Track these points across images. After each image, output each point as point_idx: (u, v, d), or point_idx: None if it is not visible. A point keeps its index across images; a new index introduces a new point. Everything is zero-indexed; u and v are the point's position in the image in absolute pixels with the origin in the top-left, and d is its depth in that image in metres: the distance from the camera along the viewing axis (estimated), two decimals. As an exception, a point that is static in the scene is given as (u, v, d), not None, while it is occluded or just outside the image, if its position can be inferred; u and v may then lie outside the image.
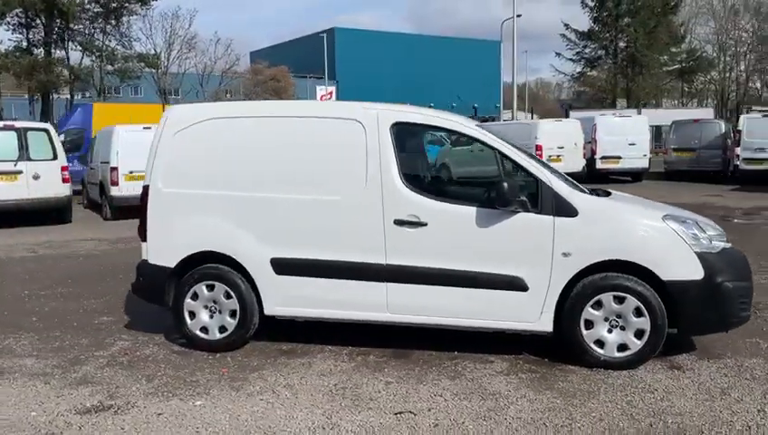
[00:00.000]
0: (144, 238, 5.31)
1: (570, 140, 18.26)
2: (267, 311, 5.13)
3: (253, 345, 5.27)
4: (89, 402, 4.27)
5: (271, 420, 3.95)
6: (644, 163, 20.32)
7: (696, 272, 4.49)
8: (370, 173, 4.87)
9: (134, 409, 4.16)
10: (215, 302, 5.18)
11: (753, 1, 52.83)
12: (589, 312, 4.62)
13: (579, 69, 47.75)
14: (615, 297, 4.58)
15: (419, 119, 5.07)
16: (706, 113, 35.17)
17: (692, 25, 50.81)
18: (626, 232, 4.63)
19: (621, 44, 46.37)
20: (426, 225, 4.76)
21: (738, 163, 18.88)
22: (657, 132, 33.16)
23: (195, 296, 5.20)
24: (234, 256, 5.10)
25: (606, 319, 4.62)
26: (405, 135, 4.99)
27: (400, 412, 4.00)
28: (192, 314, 5.22)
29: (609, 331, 4.63)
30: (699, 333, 4.78)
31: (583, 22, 46.54)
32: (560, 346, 4.84)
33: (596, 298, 4.60)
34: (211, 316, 5.21)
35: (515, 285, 4.68)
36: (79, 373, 4.80)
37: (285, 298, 5.07)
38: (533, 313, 4.70)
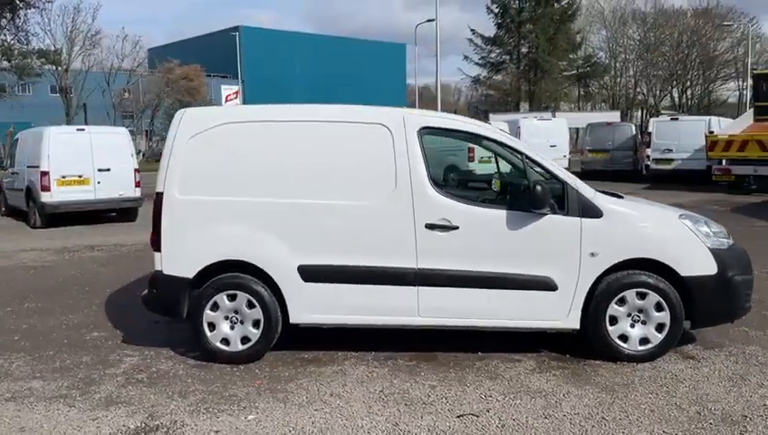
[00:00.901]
0: (157, 248, 5.06)
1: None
2: (293, 319, 5.03)
3: (272, 356, 5.14)
4: (132, 424, 4.04)
5: (336, 431, 3.90)
6: (564, 164, 21.25)
7: (710, 267, 4.84)
8: (400, 177, 4.89)
9: (186, 428, 3.97)
10: (236, 312, 5.02)
11: (639, 12, 56.63)
12: (613, 308, 4.86)
13: (485, 73, 49.36)
14: (638, 293, 4.85)
15: (446, 123, 5.14)
16: (614, 116, 37.33)
17: (587, 33, 53.68)
18: (647, 231, 4.91)
19: (524, 50, 48.39)
20: (457, 228, 4.84)
21: (649, 163, 20.26)
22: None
23: (215, 307, 5.02)
24: (258, 265, 4.96)
25: (629, 314, 4.88)
26: (432, 139, 5.04)
27: (462, 415, 4.06)
28: (212, 326, 5.03)
29: (632, 326, 4.90)
30: (711, 324, 5.14)
31: (490, 27, 48.18)
32: (581, 343, 5.06)
33: (620, 295, 4.85)
34: (232, 327, 5.04)
35: (545, 285, 4.85)
36: (101, 394, 4.52)
37: (313, 305, 4.99)
38: (562, 311, 4.89)
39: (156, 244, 5.07)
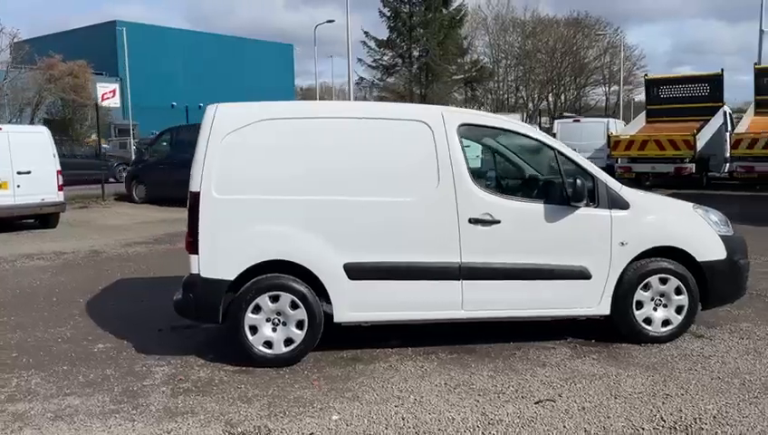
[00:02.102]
0: (194, 251, 4.82)
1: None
2: (338, 318, 4.97)
3: (311, 356, 5.04)
4: (214, 433, 3.85)
5: (430, 424, 3.92)
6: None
7: (720, 253, 5.31)
8: (442, 173, 4.97)
9: (275, 433, 3.84)
10: (278, 314, 4.89)
11: (518, 20, 59.72)
12: (639, 293, 5.22)
13: (378, 75, 50.00)
14: (660, 279, 5.23)
15: (484, 121, 5.30)
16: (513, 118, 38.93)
17: (473, 39, 55.85)
18: (669, 221, 5.33)
19: (416, 54, 49.50)
20: (499, 222, 4.99)
21: (554, 163, 21.48)
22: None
23: (257, 310, 4.86)
24: (303, 264, 4.86)
25: (652, 299, 5.26)
26: (470, 136, 5.16)
27: (540, 401, 4.21)
28: (253, 329, 4.87)
29: (655, 309, 5.28)
30: (719, 305, 5.61)
31: (383, 30, 48.89)
32: (606, 327, 5.38)
33: (645, 281, 5.21)
34: (274, 329, 4.90)
35: (580, 274, 5.12)
36: (155, 405, 4.25)
37: (359, 303, 4.96)
38: (595, 298, 5.18)
39: (192, 246, 4.83)
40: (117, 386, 4.60)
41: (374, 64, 50.15)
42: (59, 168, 12.32)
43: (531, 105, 60.48)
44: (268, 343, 4.89)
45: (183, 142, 16.19)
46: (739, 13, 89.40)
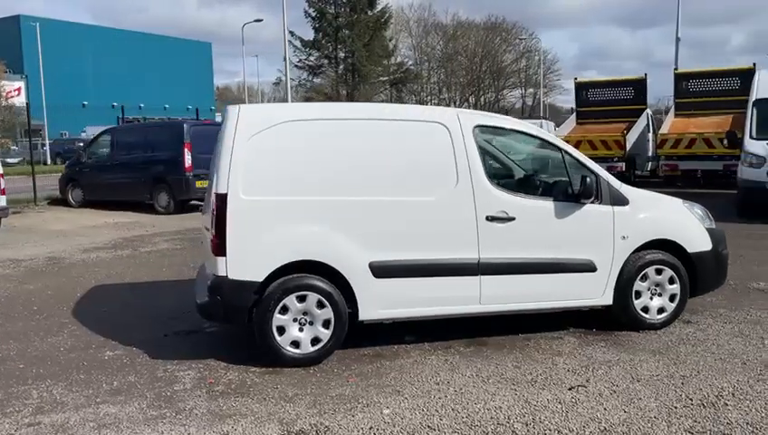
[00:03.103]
0: (221, 252, 4.78)
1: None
2: (363, 316, 5.05)
3: (333, 355, 5.11)
4: (274, 433, 3.87)
5: (480, 412, 4.09)
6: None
7: (707, 244, 5.76)
8: (461, 173, 5.16)
9: (333, 430, 3.90)
10: (305, 313, 4.93)
11: (440, 23, 60.99)
12: (638, 284, 5.59)
13: (305, 76, 49.80)
14: (656, 270, 5.62)
15: (497, 122, 5.51)
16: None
17: (398, 41, 56.55)
18: (664, 216, 5.74)
19: (342, 55, 49.60)
20: (514, 219, 5.23)
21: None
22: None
23: (284, 310, 4.88)
24: (330, 263, 4.92)
25: (648, 289, 5.64)
26: (484, 137, 5.36)
27: (573, 387, 4.47)
28: (281, 330, 4.89)
29: (651, 298, 5.66)
30: (705, 292, 6.05)
31: (309, 30, 48.72)
32: (601, 317, 5.72)
33: (643, 272, 5.59)
34: (301, 329, 4.94)
35: (588, 267, 5.44)
36: (199, 410, 4.20)
37: (383, 301, 5.07)
38: (599, 290, 5.51)
39: (219, 248, 4.78)
40: (148, 392, 4.51)
41: (300, 64, 49.93)
42: (1, 171, 11.68)
43: (453, 107, 61.82)
44: (295, 343, 4.91)
45: (125, 143, 15.70)
46: (638, 21, 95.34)
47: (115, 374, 4.86)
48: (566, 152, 5.50)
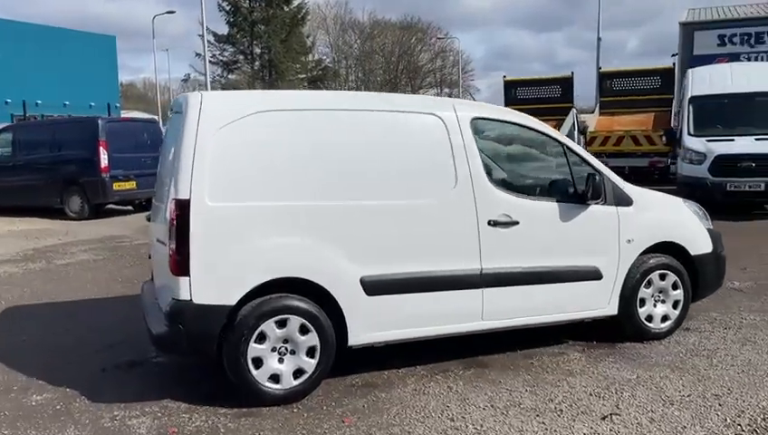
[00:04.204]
0: (183, 272, 3.90)
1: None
2: (353, 340, 4.31)
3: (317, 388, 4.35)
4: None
5: (512, 456, 3.46)
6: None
7: (708, 246, 5.38)
8: (459, 172, 4.51)
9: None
10: (286, 341, 4.14)
11: (357, 21, 60.41)
12: (642, 291, 5.13)
13: (219, 72, 47.95)
14: (660, 275, 5.18)
15: (495, 114, 4.88)
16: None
17: (316, 38, 55.49)
18: (668, 217, 5.30)
19: (258, 50, 48.12)
20: (517, 223, 4.63)
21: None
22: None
23: (261, 338, 4.07)
24: (316, 281, 4.15)
25: (652, 295, 5.20)
26: (482, 131, 4.73)
27: (606, 416, 3.90)
28: (257, 362, 4.07)
29: (654, 305, 5.22)
30: (702, 297, 5.66)
31: (223, 25, 46.95)
32: (599, 327, 5.24)
33: (648, 278, 5.13)
34: (281, 360, 4.14)
35: (593, 274, 4.92)
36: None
37: (377, 322, 4.34)
38: (605, 298, 5.01)
39: (181, 266, 3.91)
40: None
41: (214, 60, 47.98)
42: None
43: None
44: (275, 377, 4.11)
45: (29, 142, 14.13)
46: (540, 24, 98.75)
47: (47, 427, 3.89)
48: (568, 148, 4.96)
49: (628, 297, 5.07)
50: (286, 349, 4.14)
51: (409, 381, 4.49)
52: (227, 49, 47.56)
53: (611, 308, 5.05)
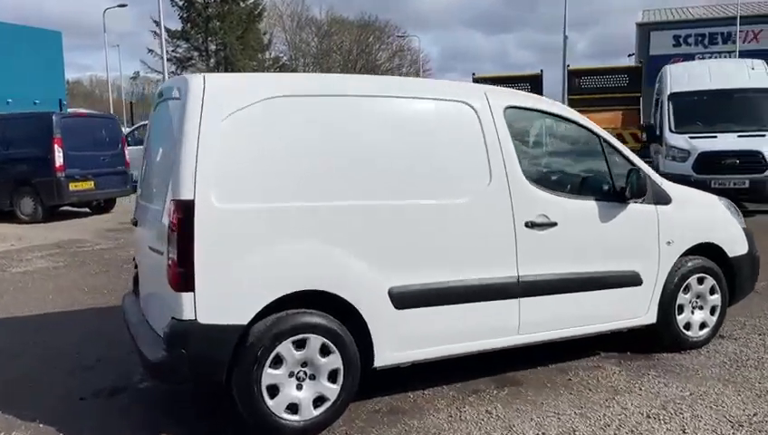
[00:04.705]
0: (186, 287, 3.28)
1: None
2: (380, 361, 3.75)
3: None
4: None
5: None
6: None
7: (744, 247, 5.01)
8: (494, 168, 4.00)
9: None
10: (305, 364, 3.55)
11: (314, 19, 59.55)
12: (681, 297, 4.72)
13: (172, 68, 46.47)
14: (698, 279, 4.78)
15: (530, 102, 4.38)
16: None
17: (272, 36, 54.36)
18: (706, 216, 4.90)
19: (213, 47, 46.86)
20: (555, 225, 4.15)
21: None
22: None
23: (277, 362, 3.47)
24: (339, 294, 3.58)
25: (690, 301, 4.79)
26: (516, 121, 4.23)
27: (673, 440, 3.45)
28: (273, 390, 3.47)
29: (692, 312, 4.82)
30: (738, 301, 5.29)
31: (176, 20, 45.55)
32: (635, 335, 4.81)
33: (686, 282, 4.73)
34: (300, 386, 3.55)
35: (633, 280, 4.48)
36: None
37: (406, 339, 3.79)
38: (644, 306, 4.58)
39: (183, 280, 3.28)
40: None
41: (167, 56, 46.41)
42: None
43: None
44: (292, 407, 3.52)
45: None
46: (491, 27, 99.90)
47: (23, 476, 3.22)
48: (605, 141, 4.51)
49: (667, 304, 4.65)
50: (305, 373, 3.56)
51: (440, 405, 3.95)
52: (181, 45, 46.13)
53: (650, 316, 4.62)
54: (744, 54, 29.51)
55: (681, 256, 4.68)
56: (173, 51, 46.42)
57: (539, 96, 4.63)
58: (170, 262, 3.32)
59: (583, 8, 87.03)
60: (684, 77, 13.54)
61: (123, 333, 4.95)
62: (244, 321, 3.38)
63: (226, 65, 46.33)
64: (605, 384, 4.25)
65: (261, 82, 3.67)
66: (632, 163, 4.52)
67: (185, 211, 3.27)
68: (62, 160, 11.97)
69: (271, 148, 3.49)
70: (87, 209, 13.49)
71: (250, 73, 3.89)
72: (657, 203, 4.56)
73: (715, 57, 36.42)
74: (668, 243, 4.58)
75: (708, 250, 4.83)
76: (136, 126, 19.93)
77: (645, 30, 39.82)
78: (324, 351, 3.57)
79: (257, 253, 3.40)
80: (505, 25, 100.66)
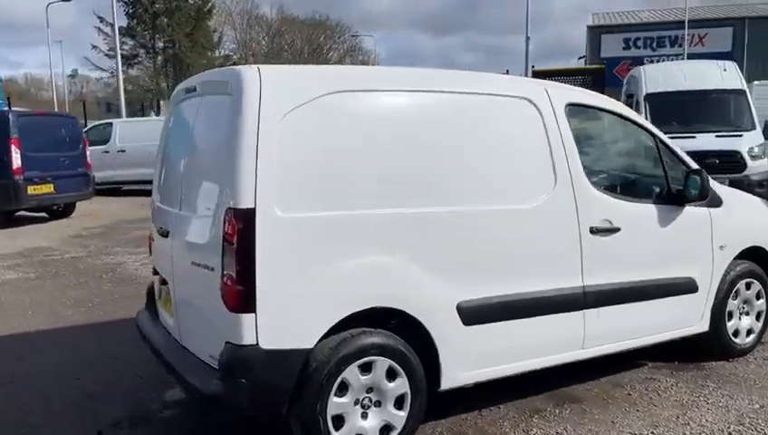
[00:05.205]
0: (248, 308, 2.86)
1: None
2: (447, 383, 3.40)
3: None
4: None
5: None
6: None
7: (788, 248, 4.87)
8: (559, 170, 3.71)
9: None
10: (370, 390, 3.18)
11: (264, 17, 58.55)
12: (731, 303, 4.55)
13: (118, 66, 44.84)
14: (746, 284, 4.62)
15: (590, 100, 4.11)
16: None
17: (223, 33, 53.14)
18: (754, 219, 4.73)
19: (160, 44, 45.50)
20: (618, 230, 3.89)
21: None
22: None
23: (342, 388, 3.09)
24: (408, 311, 3.22)
25: (738, 307, 4.62)
26: (575, 118, 3.94)
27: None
28: (338, 421, 3.09)
29: (739, 318, 4.65)
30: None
31: (122, 16, 43.94)
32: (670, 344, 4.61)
33: (735, 288, 4.55)
34: (364, 415, 3.18)
35: (690, 287, 4.27)
36: None
37: (475, 358, 3.46)
38: (698, 314, 4.38)
39: (244, 300, 2.86)
40: None
41: (112, 53, 44.89)
42: None
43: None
44: (364, 440, 3.14)
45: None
46: (438, 28, 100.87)
47: None
48: (661, 141, 4.28)
49: (718, 311, 4.46)
50: (370, 400, 3.19)
51: (506, 428, 3.63)
52: (127, 42, 44.57)
53: (703, 324, 4.42)
54: (692, 57, 30.36)
55: (732, 260, 4.50)
56: (119, 47, 44.85)
57: (597, 93, 4.37)
58: (227, 279, 2.90)
59: (532, 11, 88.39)
60: (659, 78, 13.63)
61: (126, 354, 4.52)
62: (310, 344, 2.98)
63: (175, 63, 45.10)
64: (668, 398, 4.01)
65: (321, 75, 3.27)
66: (686, 164, 4.31)
67: (245, 222, 2.85)
68: (19, 162, 11.12)
69: (333, 149, 3.09)
70: (45, 214, 12.63)
71: (306, 66, 3.51)
72: (709, 206, 4.36)
73: (663, 60, 37.39)
74: (721, 247, 4.39)
75: (754, 254, 4.67)
76: (91, 126, 18.96)
77: (596, 33, 40.62)
78: (390, 374, 3.20)
79: (323, 267, 3.01)
80: (451, 27, 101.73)
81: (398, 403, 3.24)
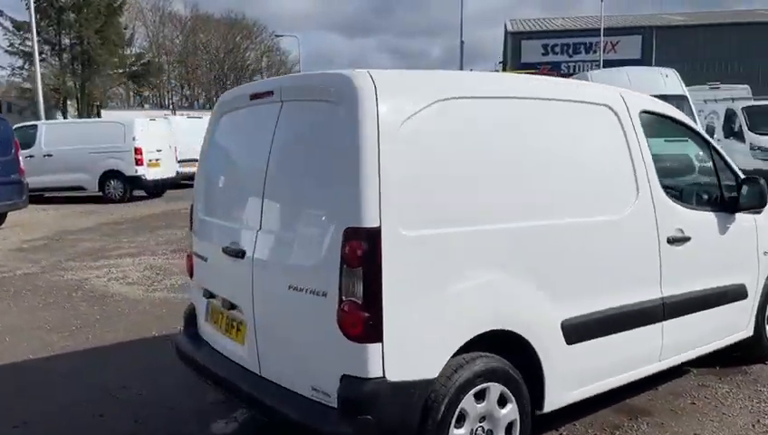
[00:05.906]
0: (374, 337, 2.57)
1: (166, 143, 16.12)
2: (550, 405, 3.23)
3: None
4: None
5: None
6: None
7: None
8: (640, 180, 3.62)
9: None
10: (483, 418, 2.96)
11: (177, 15, 56.57)
12: (769, 307, 4.63)
13: (20, 63, 42.16)
14: (782, 288, 4.71)
15: (661, 108, 4.06)
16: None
17: (135, 30, 50.82)
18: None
19: (67, 41, 42.98)
20: (689, 239, 3.86)
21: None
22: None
23: (460, 419, 2.86)
24: (518, 331, 3.02)
25: (775, 311, 4.72)
26: (647, 127, 3.86)
27: None
28: (457, 453, 2.85)
29: (775, 322, 4.75)
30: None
31: (23, 10, 41.13)
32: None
33: (772, 292, 4.64)
34: (479, 445, 2.96)
35: (741, 293, 4.31)
36: None
37: (576, 377, 3.31)
38: (746, 320, 4.42)
39: (371, 328, 2.56)
40: None
41: (12, 50, 42.05)
42: None
43: (196, 104, 57.78)
44: (477, 472, 2.92)
45: None
46: (353, 31, 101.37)
47: None
48: (714, 149, 4.29)
49: (760, 316, 4.54)
50: (483, 429, 2.97)
51: (591, 445, 3.50)
52: (29, 38, 41.73)
53: (749, 330, 4.47)
54: (606, 63, 31.75)
55: (770, 265, 4.58)
56: (20, 44, 42.05)
57: (663, 102, 4.32)
58: (346, 306, 2.59)
59: (443, 16, 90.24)
60: (606, 83, 14.04)
61: (145, 384, 4.12)
62: (434, 373, 2.73)
63: (83, 61, 42.72)
64: (733, 405, 4.01)
65: (433, 80, 3.00)
66: (734, 171, 4.34)
67: (370, 242, 2.56)
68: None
69: (447, 160, 2.85)
70: (-30, 226, 11.53)
71: (414, 70, 3.23)
72: (754, 212, 4.41)
73: (580, 65, 38.94)
74: (765, 253, 4.46)
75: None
76: (14, 128, 17.50)
77: (517, 39, 41.81)
78: (501, 401, 3.00)
79: (445, 288, 2.77)
80: (366, 29, 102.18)
81: (508, 431, 3.04)
